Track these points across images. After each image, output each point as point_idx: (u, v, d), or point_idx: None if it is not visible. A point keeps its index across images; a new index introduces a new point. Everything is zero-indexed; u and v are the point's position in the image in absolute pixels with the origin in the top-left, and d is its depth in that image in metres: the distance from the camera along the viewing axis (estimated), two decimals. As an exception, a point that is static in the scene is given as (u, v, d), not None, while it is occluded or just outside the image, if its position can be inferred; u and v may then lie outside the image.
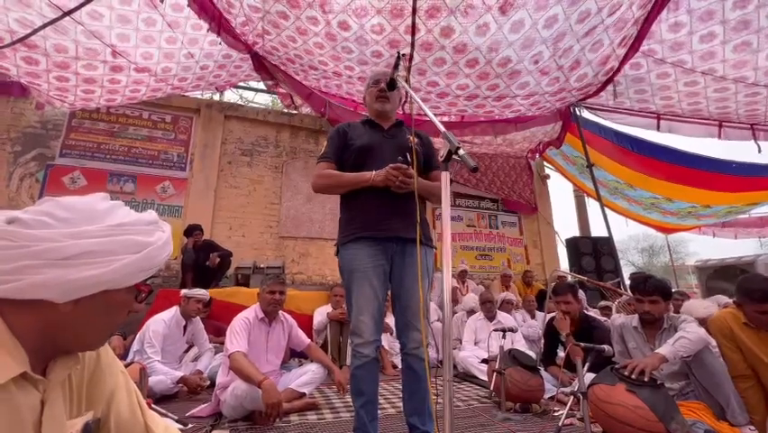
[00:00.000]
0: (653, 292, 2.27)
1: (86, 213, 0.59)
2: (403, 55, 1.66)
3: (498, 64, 3.91)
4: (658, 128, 5.19)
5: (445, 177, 1.10)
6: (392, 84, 1.70)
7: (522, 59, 3.81)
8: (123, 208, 0.64)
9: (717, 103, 4.50)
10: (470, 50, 3.72)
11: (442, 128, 1.14)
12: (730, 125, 5.02)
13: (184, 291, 3.25)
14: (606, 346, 2.13)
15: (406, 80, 1.52)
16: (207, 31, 3.69)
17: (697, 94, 4.39)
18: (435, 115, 1.31)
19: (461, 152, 1.04)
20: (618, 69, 4.07)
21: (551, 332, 3.03)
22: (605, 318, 4.25)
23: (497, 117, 5.19)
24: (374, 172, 1.59)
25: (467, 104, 4.74)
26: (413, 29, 3.45)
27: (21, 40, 3.62)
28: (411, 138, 1.66)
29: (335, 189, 1.73)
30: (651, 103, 4.85)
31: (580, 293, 4.97)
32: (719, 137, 5.08)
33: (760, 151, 5.17)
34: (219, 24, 3.54)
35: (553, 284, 3.48)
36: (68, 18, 3.47)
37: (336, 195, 1.78)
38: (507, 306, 4.33)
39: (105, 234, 0.58)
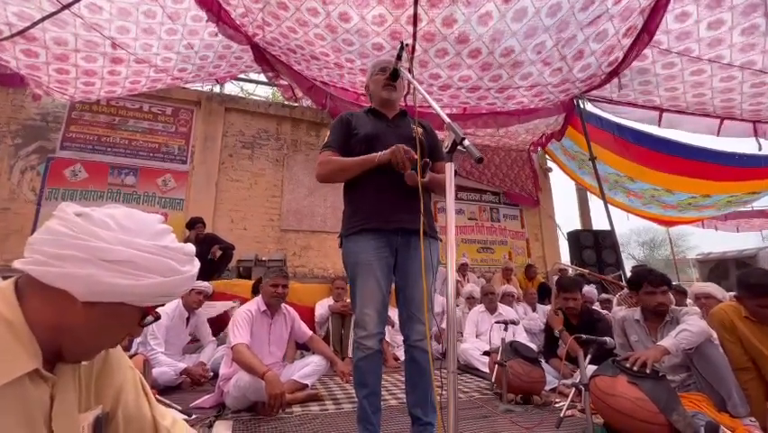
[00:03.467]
0: (662, 283, 2.27)
1: (144, 227, 0.62)
2: (406, 45, 1.63)
3: (501, 54, 3.87)
4: (659, 123, 5.16)
5: (450, 168, 1.09)
6: (395, 74, 1.68)
7: (525, 48, 3.77)
8: (172, 235, 0.67)
9: (723, 95, 4.44)
10: (473, 41, 3.68)
11: (446, 119, 1.12)
12: (732, 121, 4.99)
13: (186, 283, 3.26)
14: (607, 339, 2.14)
15: (409, 71, 1.50)
16: (206, 21, 3.65)
17: (702, 84, 4.33)
18: (439, 104, 1.30)
19: (465, 142, 1.03)
20: (623, 62, 4.02)
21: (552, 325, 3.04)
22: (605, 312, 4.26)
23: (499, 110, 5.15)
24: (379, 153, 1.56)
25: (469, 96, 4.71)
26: (414, 19, 3.40)
27: (20, 32, 3.59)
28: (416, 128, 1.65)
29: (340, 174, 1.68)
30: (655, 95, 4.81)
31: (591, 287, 4.99)
32: (718, 134, 5.06)
33: (761, 148, 5.17)
34: (218, 15, 3.50)
35: (556, 277, 3.48)
36: (66, 11, 3.44)
37: (339, 186, 1.76)
38: (508, 298, 4.34)
39: (151, 251, 0.61)
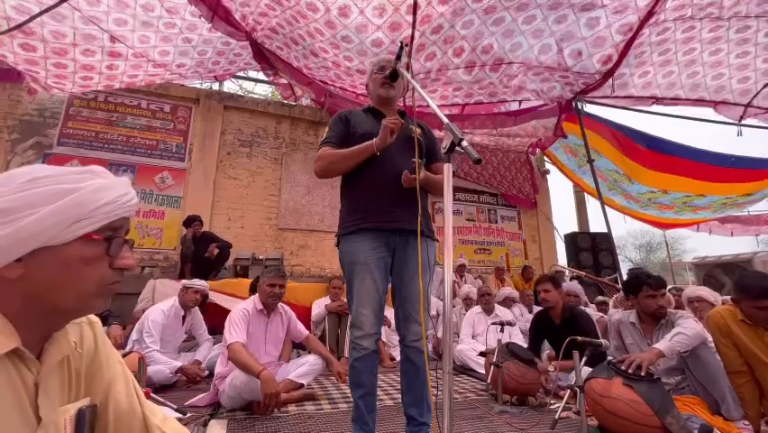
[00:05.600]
0: (662, 286, 2.28)
1: (2, 179, 0.58)
2: (405, 45, 1.63)
3: (492, 24, 3.87)
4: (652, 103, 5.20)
5: (448, 168, 1.08)
6: (394, 75, 1.67)
7: (515, 18, 3.78)
8: (47, 167, 0.62)
9: (713, 69, 4.40)
10: (467, 14, 3.67)
11: (445, 119, 1.12)
12: (724, 105, 5.03)
13: (183, 282, 3.25)
14: (603, 341, 2.15)
15: (408, 68, 1.49)
16: (199, 17, 3.63)
17: (694, 61, 4.33)
18: (437, 104, 1.31)
19: (464, 143, 1.03)
20: (619, 62, 4.05)
21: (536, 326, 3.05)
22: (602, 314, 4.27)
23: (497, 110, 5.16)
24: (374, 140, 1.56)
25: (465, 78, 4.64)
26: (414, 8, 3.41)
27: (18, 26, 3.57)
28: (414, 128, 1.65)
29: (336, 166, 1.65)
30: (654, 86, 4.83)
31: (572, 283, 5.00)
32: (715, 108, 5.09)
33: (740, 134, 5.24)
34: (215, 10, 3.48)
35: (544, 275, 3.52)
36: (65, 4, 3.42)
37: (337, 185, 1.76)
38: (508, 302, 4.36)
39: (17, 190, 0.57)
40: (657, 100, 5.09)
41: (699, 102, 5.03)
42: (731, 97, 4.92)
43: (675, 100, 5.06)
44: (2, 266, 0.56)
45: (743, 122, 5.17)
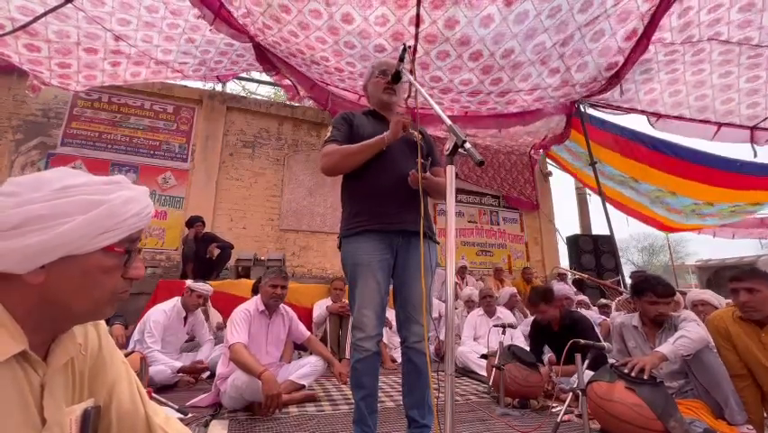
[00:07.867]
0: (668, 294, 2.25)
1: (33, 183, 0.59)
2: (408, 47, 1.63)
3: (502, 56, 3.88)
4: (654, 123, 5.19)
5: (450, 171, 1.08)
6: (397, 76, 1.67)
7: (525, 49, 3.79)
8: (76, 174, 0.63)
9: (723, 94, 4.40)
10: (474, 43, 3.69)
11: (448, 121, 1.12)
12: (730, 127, 5.01)
13: (189, 283, 3.25)
14: (606, 344, 2.14)
15: (411, 72, 1.49)
16: (198, 18, 3.65)
17: (703, 83, 4.31)
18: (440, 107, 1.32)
19: (466, 145, 1.03)
20: (624, 66, 4.03)
21: (536, 332, 3.03)
22: (604, 317, 4.25)
23: (500, 112, 5.17)
24: (385, 134, 1.55)
25: (470, 100, 4.71)
26: (417, 20, 3.42)
27: (22, 27, 3.60)
28: (416, 133, 1.65)
29: (349, 161, 1.62)
30: (660, 104, 4.82)
31: (568, 289, 4.98)
32: (713, 138, 5.08)
33: (756, 155, 5.20)
34: (216, 14, 3.49)
35: (554, 281, 3.49)
36: (69, 5, 3.45)
37: (339, 187, 1.76)
38: (513, 300, 4.36)
39: (51, 198, 0.57)
40: (661, 117, 5.10)
41: (704, 122, 5.02)
42: (738, 120, 4.89)
43: (679, 118, 5.06)
44: (27, 272, 0.56)
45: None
